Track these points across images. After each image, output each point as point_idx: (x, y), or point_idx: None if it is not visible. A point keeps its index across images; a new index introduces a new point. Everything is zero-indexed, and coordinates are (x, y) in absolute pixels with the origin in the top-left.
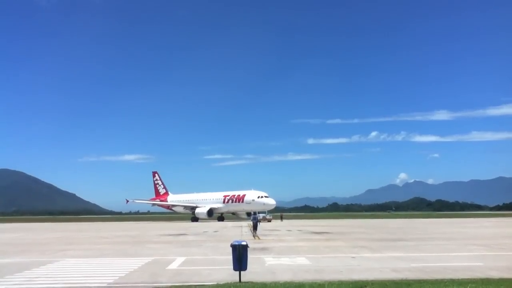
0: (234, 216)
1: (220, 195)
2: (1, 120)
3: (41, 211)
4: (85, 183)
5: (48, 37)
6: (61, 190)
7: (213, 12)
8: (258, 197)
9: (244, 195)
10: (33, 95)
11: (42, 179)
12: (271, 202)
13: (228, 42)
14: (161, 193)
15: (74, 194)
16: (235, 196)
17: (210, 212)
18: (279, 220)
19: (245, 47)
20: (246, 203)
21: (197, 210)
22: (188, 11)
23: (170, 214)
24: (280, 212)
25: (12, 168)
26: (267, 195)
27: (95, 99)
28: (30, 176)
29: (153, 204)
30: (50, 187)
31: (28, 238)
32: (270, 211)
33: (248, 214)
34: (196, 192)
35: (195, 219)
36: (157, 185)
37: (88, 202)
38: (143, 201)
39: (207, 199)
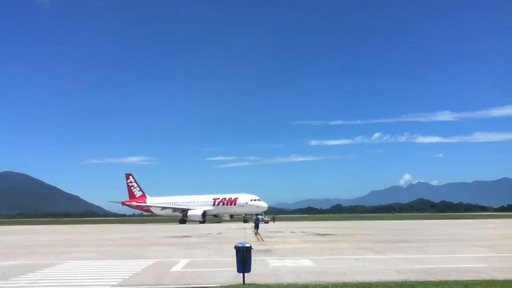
0: (216, 218)
1: (209, 198)
2: (5, 123)
3: (44, 213)
4: (88, 185)
5: (51, 39)
6: (65, 192)
7: (215, 14)
8: (251, 200)
9: (236, 198)
10: (36, 97)
11: (46, 181)
12: (264, 204)
13: (230, 44)
14: (136, 196)
15: (78, 196)
16: (227, 199)
17: (204, 215)
18: (271, 222)
19: (247, 49)
20: (239, 205)
21: (190, 213)
22: (190, 13)
23: (148, 217)
24: (273, 214)
25: (16, 171)
26: (259, 198)
27: (99, 101)
28: (34, 178)
29: (135, 207)
30: (54, 189)
31: (32, 240)
32: (262, 213)
33: (231, 216)
34: (178, 195)
35: (183, 221)
36: (132, 187)
37: (91, 204)
38: (132, 204)
39: (195, 202)
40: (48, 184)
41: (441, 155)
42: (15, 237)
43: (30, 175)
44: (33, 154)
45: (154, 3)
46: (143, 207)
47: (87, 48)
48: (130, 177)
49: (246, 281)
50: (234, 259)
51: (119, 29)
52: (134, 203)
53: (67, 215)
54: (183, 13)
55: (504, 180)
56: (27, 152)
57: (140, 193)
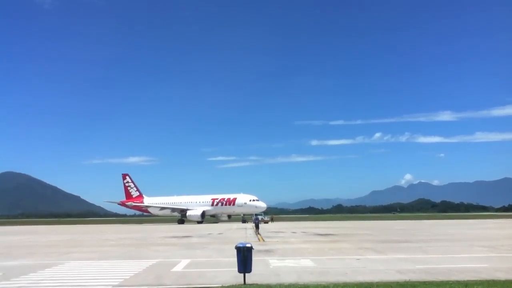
0: (214, 218)
1: (207, 198)
2: (5, 123)
3: (46, 214)
4: (89, 185)
5: (52, 39)
6: (66, 193)
7: (215, 14)
8: (250, 200)
9: (235, 198)
10: (38, 97)
11: (47, 182)
12: (262, 205)
13: (231, 44)
14: (133, 196)
15: (79, 197)
16: (225, 199)
17: (203, 215)
18: (270, 222)
19: (248, 49)
20: (238, 206)
21: (189, 213)
22: (190, 13)
23: (147, 217)
24: (273, 214)
25: (17, 171)
26: (257, 198)
27: (100, 102)
28: (35, 178)
29: (133, 207)
30: (55, 190)
31: (33, 240)
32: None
33: (229, 216)
34: (176, 195)
35: (181, 221)
36: (129, 188)
37: (92, 205)
38: (130, 204)
39: (193, 202)
40: (49, 185)
41: (442, 155)
42: (16, 237)
43: (31, 176)
44: (34, 155)
45: (154, 3)
46: (142, 207)
47: (87, 48)
48: (127, 177)
49: (247, 281)
50: (235, 259)
51: (119, 29)
52: (132, 203)
53: (68, 215)
54: (183, 13)
55: (505, 180)
56: (28, 152)
57: (137, 193)
